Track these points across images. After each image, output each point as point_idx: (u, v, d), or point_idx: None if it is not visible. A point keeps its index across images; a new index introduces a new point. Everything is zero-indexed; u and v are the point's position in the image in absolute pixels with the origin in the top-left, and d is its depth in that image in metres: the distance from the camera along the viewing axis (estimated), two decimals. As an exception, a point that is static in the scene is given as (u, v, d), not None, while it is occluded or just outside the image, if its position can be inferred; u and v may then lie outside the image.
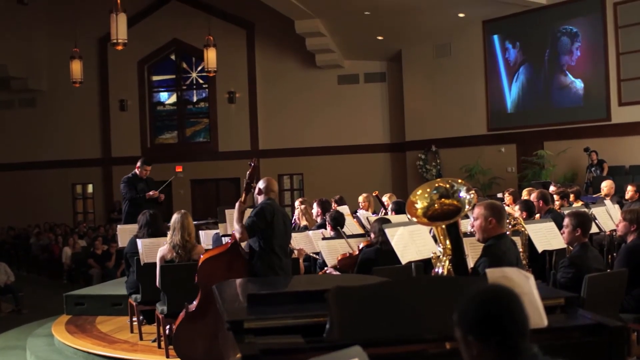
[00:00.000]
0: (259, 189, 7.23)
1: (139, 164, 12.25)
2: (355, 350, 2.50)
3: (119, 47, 16.26)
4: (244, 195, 7.22)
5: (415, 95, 23.48)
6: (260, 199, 7.23)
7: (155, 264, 8.15)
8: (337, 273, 8.08)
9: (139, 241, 8.76)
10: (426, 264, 6.86)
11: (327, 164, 24.66)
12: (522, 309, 2.60)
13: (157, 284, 8.01)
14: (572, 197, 12.13)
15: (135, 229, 9.47)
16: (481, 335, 2.54)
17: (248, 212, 7.26)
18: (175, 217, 8.15)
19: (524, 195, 11.30)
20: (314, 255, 9.06)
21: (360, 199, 12.81)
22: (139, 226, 9.12)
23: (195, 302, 6.84)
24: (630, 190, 11.91)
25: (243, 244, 7.14)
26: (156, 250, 8.24)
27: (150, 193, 11.89)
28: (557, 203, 11.00)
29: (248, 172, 7.19)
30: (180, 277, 7.70)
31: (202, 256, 7.12)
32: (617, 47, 19.42)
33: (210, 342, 6.46)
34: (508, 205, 10.93)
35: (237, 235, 6.99)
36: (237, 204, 7.18)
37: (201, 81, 26.95)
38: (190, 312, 6.79)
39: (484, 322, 2.55)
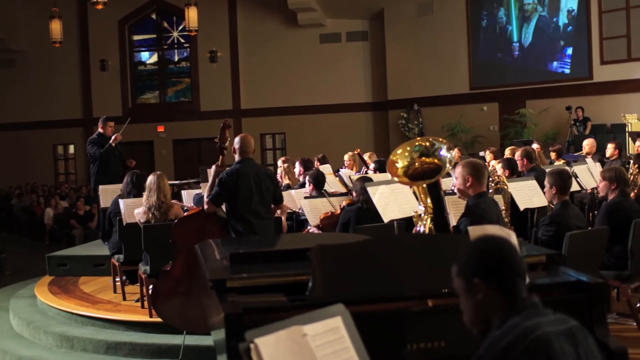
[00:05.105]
0: (234, 147, 7.04)
1: (100, 123, 12.27)
2: (338, 308, 2.50)
3: (99, 7, 16.11)
4: (220, 158, 7.08)
5: (397, 54, 23.40)
6: (235, 157, 7.06)
7: (137, 224, 8.13)
8: (319, 232, 8.09)
9: (121, 201, 8.71)
10: (408, 222, 6.87)
11: (309, 123, 24.59)
12: (519, 252, 2.71)
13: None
14: (553, 155, 12.19)
15: (118, 189, 9.41)
16: (486, 273, 2.60)
17: None
18: (150, 178, 8.11)
19: (507, 154, 11.32)
20: (299, 211, 9.06)
21: (346, 157, 12.81)
22: (125, 187, 9.04)
23: (171, 263, 6.82)
24: (610, 148, 11.96)
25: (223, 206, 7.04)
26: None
27: (113, 137, 11.89)
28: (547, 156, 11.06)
29: (218, 135, 7.05)
30: (161, 237, 7.66)
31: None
32: (600, 5, 19.42)
33: (186, 302, 6.48)
34: (489, 163, 10.95)
35: (205, 206, 6.88)
36: (213, 168, 7.08)
37: (182, 40, 26.75)
38: (166, 273, 6.78)
39: (489, 261, 2.63)
